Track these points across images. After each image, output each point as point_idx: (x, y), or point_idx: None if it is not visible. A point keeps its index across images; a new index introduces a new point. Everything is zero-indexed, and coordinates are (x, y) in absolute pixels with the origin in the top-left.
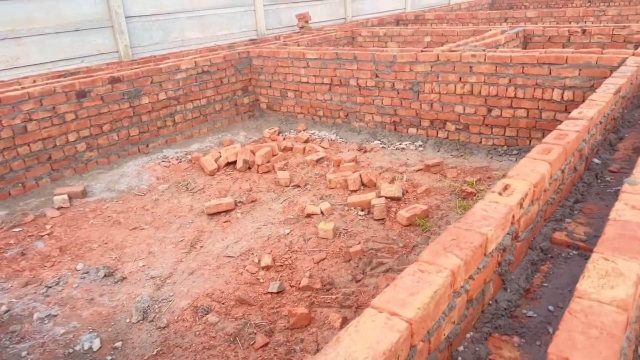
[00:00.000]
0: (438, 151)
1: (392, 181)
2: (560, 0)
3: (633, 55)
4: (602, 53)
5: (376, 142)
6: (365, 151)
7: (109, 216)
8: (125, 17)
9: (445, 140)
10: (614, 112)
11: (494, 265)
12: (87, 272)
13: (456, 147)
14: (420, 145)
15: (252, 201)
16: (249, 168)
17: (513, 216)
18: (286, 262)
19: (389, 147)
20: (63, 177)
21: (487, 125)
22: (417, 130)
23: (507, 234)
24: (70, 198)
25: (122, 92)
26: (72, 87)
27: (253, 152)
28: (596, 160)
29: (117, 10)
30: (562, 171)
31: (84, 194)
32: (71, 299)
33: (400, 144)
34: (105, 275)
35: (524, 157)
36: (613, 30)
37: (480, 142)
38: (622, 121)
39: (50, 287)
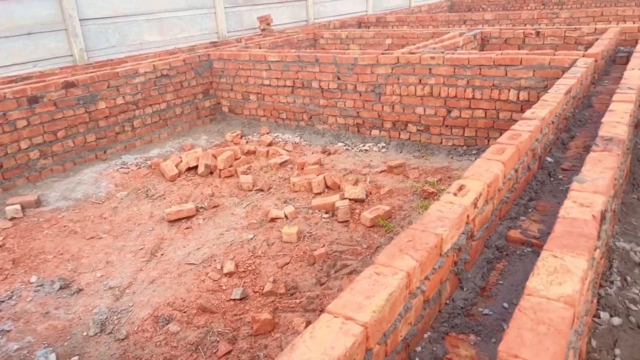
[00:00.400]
0: (401, 152)
1: (356, 183)
2: (516, 3)
3: (583, 56)
4: (554, 54)
5: (340, 144)
6: (329, 153)
7: (64, 226)
8: (80, 20)
9: (407, 142)
10: (565, 111)
11: (450, 264)
12: (41, 285)
13: (418, 148)
14: (383, 147)
15: (215, 206)
16: (211, 173)
17: (468, 216)
18: (249, 268)
19: (352, 149)
20: (15, 187)
21: (447, 126)
22: (380, 132)
23: (463, 233)
24: (23, 208)
25: (77, 97)
26: (23, 93)
27: (215, 157)
28: (549, 159)
29: (70, 13)
30: (516, 170)
31: (38, 203)
32: (25, 313)
33: (364, 146)
34: (60, 288)
35: (479, 158)
36: (565, 32)
37: (441, 142)
38: (574, 120)
39: (2, 301)
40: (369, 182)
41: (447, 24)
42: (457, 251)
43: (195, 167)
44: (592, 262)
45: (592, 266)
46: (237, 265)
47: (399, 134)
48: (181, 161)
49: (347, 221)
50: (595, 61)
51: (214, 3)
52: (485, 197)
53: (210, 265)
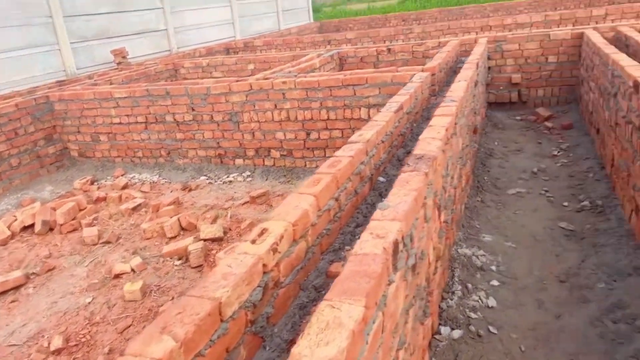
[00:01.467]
0: (266, 180)
1: (215, 220)
2: (380, 21)
3: (422, 71)
4: (396, 71)
5: (203, 177)
6: (191, 190)
7: None
8: None
9: (272, 168)
10: (399, 128)
11: (243, 326)
12: None
13: (284, 174)
14: (248, 176)
15: (49, 270)
16: (51, 229)
17: (265, 265)
18: (83, 340)
19: (216, 181)
20: None
21: (308, 148)
22: (244, 160)
23: (258, 286)
24: None
25: None
26: None
27: (55, 210)
28: (382, 179)
29: None
30: (337, 199)
31: None
32: None
33: (228, 177)
34: None
35: (291, 194)
36: (412, 47)
37: (305, 165)
38: (412, 135)
39: None
40: (230, 217)
41: (313, 45)
42: (251, 309)
43: (33, 225)
44: (383, 300)
45: (383, 306)
46: (67, 339)
47: (264, 161)
48: (15, 220)
49: (200, 265)
50: (433, 74)
51: (57, 39)
52: (291, 238)
53: (36, 344)
